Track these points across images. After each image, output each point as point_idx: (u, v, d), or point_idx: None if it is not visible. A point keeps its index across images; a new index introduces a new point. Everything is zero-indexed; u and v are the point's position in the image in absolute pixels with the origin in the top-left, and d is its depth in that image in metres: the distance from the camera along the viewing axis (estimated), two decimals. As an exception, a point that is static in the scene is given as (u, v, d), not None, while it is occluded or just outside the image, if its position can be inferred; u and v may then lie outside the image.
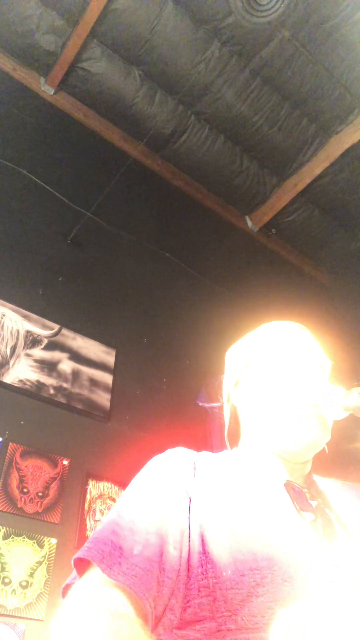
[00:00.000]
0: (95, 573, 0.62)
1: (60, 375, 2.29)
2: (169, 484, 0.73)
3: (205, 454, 0.83)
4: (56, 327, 2.40)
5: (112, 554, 0.62)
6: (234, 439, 0.95)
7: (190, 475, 0.75)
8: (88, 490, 2.07)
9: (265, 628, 0.59)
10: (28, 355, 2.24)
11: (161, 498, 0.71)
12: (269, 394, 0.86)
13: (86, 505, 2.04)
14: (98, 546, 0.64)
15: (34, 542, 1.83)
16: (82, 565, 0.65)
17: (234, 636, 0.60)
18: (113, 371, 2.48)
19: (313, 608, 0.61)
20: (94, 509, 2.05)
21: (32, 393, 2.16)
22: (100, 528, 0.68)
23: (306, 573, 0.64)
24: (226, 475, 0.78)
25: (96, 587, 0.61)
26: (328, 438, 0.82)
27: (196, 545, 0.66)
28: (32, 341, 2.29)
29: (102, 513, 2.06)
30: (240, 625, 0.60)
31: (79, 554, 0.64)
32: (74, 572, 0.66)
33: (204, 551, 0.65)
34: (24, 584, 1.74)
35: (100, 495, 2.10)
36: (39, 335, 2.32)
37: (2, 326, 2.23)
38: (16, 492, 1.89)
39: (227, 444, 0.98)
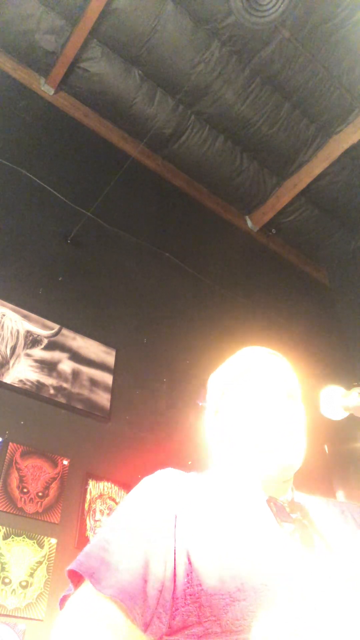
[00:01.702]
0: (87, 586, 0.69)
1: (60, 375, 2.29)
2: (156, 504, 0.79)
3: (192, 474, 0.89)
4: (56, 327, 2.40)
5: (100, 569, 0.68)
6: (217, 463, 1.01)
7: (176, 494, 0.81)
8: (88, 490, 2.07)
9: (248, 630, 0.65)
10: (28, 355, 2.24)
11: (147, 516, 0.77)
12: (243, 424, 0.93)
13: (86, 505, 2.04)
14: (88, 561, 0.70)
15: (34, 542, 1.83)
16: (75, 577, 0.71)
17: (220, 639, 0.65)
18: (113, 371, 2.48)
19: (292, 611, 0.67)
20: (94, 509, 2.05)
21: (32, 393, 2.16)
22: (92, 543, 0.75)
23: (285, 578, 0.70)
24: (211, 493, 0.84)
25: (89, 600, 0.68)
26: (301, 460, 0.89)
27: (182, 558, 0.72)
28: (32, 341, 2.29)
29: (102, 513, 2.06)
30: (225, 629, 0.65)
31: (71, 566, 0.71)
32: (70, 584, 0.72)
33: (190, 562, 0.71)
34: (24, 584, 1.74)
35: (100, 495, 2.10)
36: (39, 335, 2.32)
37: (2, 326, 2.23)
38: (16, 492, 1.89)
39: (211, 466, 1.03)
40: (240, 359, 1.04)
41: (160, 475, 0.86)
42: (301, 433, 0.90)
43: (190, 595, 0.68)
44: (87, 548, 0.74)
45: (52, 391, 2.21)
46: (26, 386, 2.15)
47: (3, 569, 1.73)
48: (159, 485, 0.83)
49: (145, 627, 0.66)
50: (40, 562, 1.81)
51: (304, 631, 0.65)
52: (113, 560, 0.70)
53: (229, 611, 0.66)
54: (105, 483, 2.13)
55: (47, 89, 3.22)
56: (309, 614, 0.67)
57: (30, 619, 1.70)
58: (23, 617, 1.69)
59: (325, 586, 0.72)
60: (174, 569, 0.71)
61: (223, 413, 0.99)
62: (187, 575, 0.70)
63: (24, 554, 1.79)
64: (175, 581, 0.70)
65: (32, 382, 2.17)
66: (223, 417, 0.98)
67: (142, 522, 0.76)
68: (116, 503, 2.11)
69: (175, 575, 0.70)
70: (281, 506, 0.83)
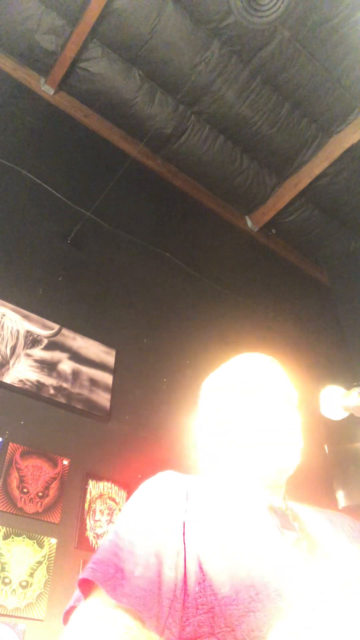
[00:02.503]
0: (101, 595, 0.65)
1: (60, 375, 2.29)
2: (163, 508, 0.77)
3: (193, 477, 0.88)
4: (56, 327, 2.40)
5: (115, 576, 0.65)
6: (210, 466, 1.00)
7: (183, 499, 0.79)
8: (88, 490, 2.07)
9: None
10: (28, 355, 2.24)
11: (157, 521, 0.74)
12: (241, 426, 0.94)
13: (86, 505, 2.04)
14: (102, 567, 0.67)
15: (34, 542, 1.83)
16: (86, 586, 0.67)
17: None
18: (113, 371, 2.48)
19: (304, 621, 0.65)
20: (94, 509, 2.05)
21: (32, 393, 2.16)
22: (102, 549, 0.71)
23: (297, 588, 0.68)
24: (216, 499, 0.83)
25: (104, 608, 0.64)
26: (297, 462, 0.90)
27: (192, 566, 0.69)
28: (32, 341, 2.29)
29: (102, 513, 2.06)
30: None
31: (84, 574, 0.67)
32: (77, 594, 0.68)
33: (201, 570, 0.68)
34: (24, 584, 1.74)
35: (100, 495, 2.10)
36: (39, 335, 2.32)
37: (2, 326, 2.23)
38: (16, 492, 1.89)
39: (203, 469, 1.03)
40: (236, 365, 1.05)
41: (162, 479, 0.84)
42: (298, 438, 0.91)
43: (203, 605, 0.66)
44: (98, 555, 0.70)
45: (52, 391, 2.21)
46: (26, 386, 2.15)
47: (3, 569, 1.73)
48: (163, 490, 0.81)
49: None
50: (40, 562, 1.81)
51: None
52: (128, 567, 0.67)
53: (244, 622, 0.63)
54: (105, 483, 2.13)
55: (47, 89, 3.22)
56: (321, 624, 0.65)
57: (30, 619, 1.70)
58: (23, 617, 1.69)
59: (333, 595, 0.70)
60: (184, 576, 0.68)
61: (222, 413, 0.99)
62: (199, 583, 0.67)
63: (24, 554, 1.79)
64: (185, 589, 0.68)
65: (32, 382, 2.17)
66: (222, 419, 0.99)
67: (152, 529, 0.73)
68: (116, 503, 2.11)
69: (185, 583, 0.68)
70: (283, 514, 0.83)
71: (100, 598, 0.65)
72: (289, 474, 0.91)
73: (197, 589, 0.67)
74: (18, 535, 1.82)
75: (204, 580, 0.67)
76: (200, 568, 0.68)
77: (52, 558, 1.84)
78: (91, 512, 2.03)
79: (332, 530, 0.87)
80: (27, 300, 2.38)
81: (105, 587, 0.63)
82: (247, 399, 0.96)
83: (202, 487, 0.85)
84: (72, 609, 0.67)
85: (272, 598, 0.65)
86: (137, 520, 0.75)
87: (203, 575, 0.68)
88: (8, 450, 1.96)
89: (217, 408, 1.01)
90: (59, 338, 2.38)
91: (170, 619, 0.65)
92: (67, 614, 0.67)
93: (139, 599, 0.63)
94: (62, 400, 2.23)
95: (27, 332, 2.29)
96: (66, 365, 2.33)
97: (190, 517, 0.76)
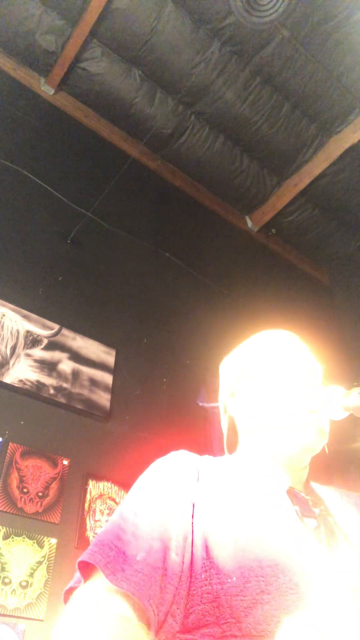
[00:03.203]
0: (99, 578, 0.62)
1: (60, 375, 2.29)
2: (172, 489, 0.73)
3: (207, 458, 0.83)
4: (56, 327, 2.40)
5: (116, 560, 0.62)
6: (233, 448, 0.96)
7: (193, 480, 0.75)
8: (88, 490, 2.07)
9: (270, 636, 0.59)
10: (28, 355, 2.24)
11: (164, 503, 0.71)
12: (264, 403, 0.88)
13: (86, 505, 2.04)
14: (102, 550, 0.64)
15: (34, 542, 1.83)
16: (86, 568, 0.65)
17: None
18: (113, 371, 2.48)
19: (319, 617, 0.61)
20: (94, 509, 2.05)
21: (32, 393, 2.16)
22: (104, 531, 0.68)
23: (311, 581, 0.64)
24: (229, 481, 0.79)
25: (100, 593, 0.61)
26: (325, 441, 0.84)
27: (199, 551, 0.66)
28: (32, 341, 2.29)
29: (102, 513, 2.06)
30: (245, 633, 0.59)
31: (84, 557, 0.65)
32: (77, 575, 0.66)
33: (208, 557, 0.65)
34: (24, 584, 1.74)
35: (100, 495, 2.10)
36: (39, 335, 2.32)
37: (2, 326, 2.23)
38: (16, 492, 1.89)
39: (227, 453, 0.98)
40: (260, 340, 0.99)
41: (174, 458, 0.80)
42: (325, 415, 0.83)
43: (208, 593, 0.63)
44: (100, 537, 0.67)
45: (52, 391, 2.21)
46: (26, 386, 2.15)
47: (3, 569, 1.73)
48: (174, 470, 0.77)
49: (159, 626, 0.61)
50: (40, 562, 1.81)
51: (332, 638, 0.59)
52: (129, 551, 0.63)
53: (251, 614, 0.60)
54: (105, 483, 2.13)
55: (47, 89, 3.22)
56: (336, 620, 0.61)
57: (30, 619, 1.70)
58: (23, 617, 1.69)
59: (355, 591, 0.66)
60: (191, 562, 0.65)
61: (241, 394, 0.94)
62: (206, 571, 0.64)
63: (24, 554, 1.79)
64: (191, 576, 0.64)
65: (32, 382, 2.17)
66: (241, 399, 0.93)
67: (158, 510, 0.70)
68: (116, 503, 2.11)
69: (192, 570, 0.65)
70: (303, 499, 0.77)
71: (99, 581, 0.62)
72: (314, 452, 0.84)
73: (202, 576, 0.64)
74: (18, 535, 1.82)
75: (210, 568, 0.64)
76: (208, 554, 0.66)
77: (52, 558, 1.84)
78: (91, 512, 2.03)
79: (357, 516, 0.82)
80: (27, 300, 2.38)
81: (104, 571, 0.61)
82: (266, 375, 0.91)
83: (216, 468, 0.80)
84: (71, 589, 0.65)
85: (282, 590, 0.62)
86: (143, 501, 0.72)
87: (210, 562, 0.65)
88: (8, 450, 1.96)
89: (233, 391, 0.96)
90: (59, 338, 2.38)
91: (174, 606, 0.62)
92: (67, 594, 0.65)
93: (138, 585, 0.60)
94: (62, 400, 2.23)
95: (27, 332, 2.29)
96: (66, 365, 2.33)
97: (200, 500, 0.72)
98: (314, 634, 0.59)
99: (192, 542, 0.67)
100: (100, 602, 0.60)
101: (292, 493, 0.78)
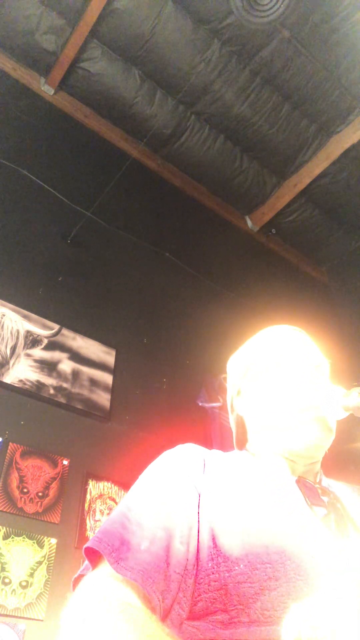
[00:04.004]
0: (104, 566, 0.63)
1: (60, 375, 2.29)
2: (178, 480, 0.74)
3: (215, 451, 0.84)
4: (56, 327, 2.40)
5: (121, 549, 0.63)
6: (242, 445, 0.96)
7: (199, 471, 0.76)
8: (88, 490, 2.07)
9: (278, 622, 0.59)
10: (28, 355, 2.24)
11: (170, 493, 0.72)
12: (270, 400, 0.88)
13: (86, 505, 2.04)
14: (108, 539, 0.65)
15: (34, 542, 1.83)
16: (93, 555, 0.66)
17: (247, 628, 0.60)
18: (113, 371, 2.48)
19: (326, 603, 0.61)
20: (94, 509, 2.05)
21: (32, 393, 2.16)
22: (110, 519, 0.69)
23: (320, 567, 0.65)
24: (236, 472, 0.79)
25: (105, 580, 0.62)
26: (332, 437, 0.84)
27: (206, 540, 0.67)
28: (32, 341, 2.29)
29: (102, 513, 2.06)
30: (253, 619, 0.60)
31: (90, 543, 0.65)
32: (86, 562, 0.67)
33: (215, 545, 0.66)
34: (24, 584, 1.74)
35: (100, 495, 2.10)
36: (39, 335, 2.32)
37: (2, 326, 2.23)
38: (16, 492, 1.89)
39: (236, 449, 0.98)
40: (265, 336, 0.99)
41: (182, 450, 0.81)
42: (332, 412, 0.82)
43: (215, 581, 0.63)
44: (105, 525, 0.68)
45: (52, 391, 2.21)
46: (26, 386, 2.15)
47: (3, 569, 1.73)
48: (181, 461, 0.78)
49: (166, 613, 0.61)
50: (40, 562, 1.81)
51: (342, 625, 0.60)
52: (134, 540, 0.64)
53: (259, 600, 0.61)
54: (105, 483, 2.13)
55: (47, 89, 3.22)
56: (345, 608, 0.62)
57: (30, 619, 1.70)
58: (23, 617, 1.69)
59: (358, 575, 0.66)
60: (197, 551, 0.66)
61: (247, 392, 0.93)
62: (212, 559, 0.65)
63: (24, 554, 1.79)
64: (197, 565, 0.65)
65: (32, 382, 2.17)
66: (248, 396, 0.93)
67: (164, 500, 0.70)
68: (116, 503, 2.11)
69: (198, 558, 0.65)
70: (312, 487, 0.77)
71: (105, 569, 0.63)
72: (323, 449, 0.84)
73: (209, 564, 0.65)
74: (18, 535, 1.82)
75: (217, 556, 0.65)
76: (214, 543, 0.66)
77: (52, 558, 1.84)
78: (91, 512, 2.03)
79: None
80: (27, 300, 2.38)
81: (108, 559, 0.62)
82: (271, 373, 0.90)
83: (223, 460, 0.81)
84: (80, 576, 0.66)
85: (289, 577, 0.62)
86: (149, 491, 0.73)
87: (217, 550, 0.65)
88: (8, 450, 1.96)
89: (239, 389, 0.96)
90: (59, 338, 2.38)
91: (180, 594, 0.62)
92: (76, 581, 0.66)
93: (142, 573, 0.60)
94: (62, 400, 2.23)
95: (27, 332, 2.29)
96: (66, 365, 2.33)
97: (207, 490, 0.72)
98: (322, 619, 0.60)
99: (199, 532, 0.68)
100: (104, 589, 0.61)
101: (301, 482, 0.78)
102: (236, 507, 0.71)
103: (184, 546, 0.65)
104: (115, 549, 0.63)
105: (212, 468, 0.77)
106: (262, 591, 0.61)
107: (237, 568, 0.63)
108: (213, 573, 0.64)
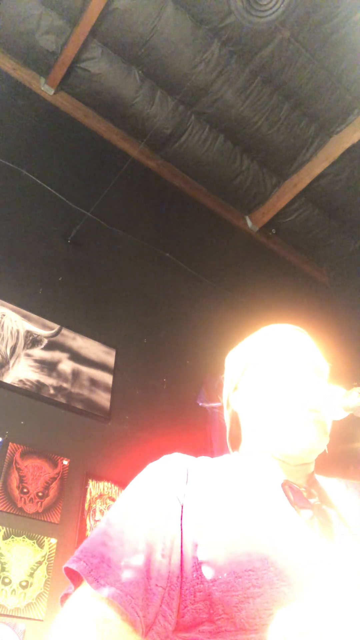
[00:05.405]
0: (85, 586, 0.64)
1: (60, 375, 2.29)
2: (160, 492, 0.74)
3: (202, 459, 0.83)
4: (56, 327, 2.40)
5: (100, 567, 0.63)
6: (236, 442, 0.96)
7: (182, 482, 0.75)
8: (88, 490, 2.07)
9: (264, 629, 0.59)
10: (28, 355, 2.24)
11: (151, 506, 0.71)
12: (266, 399, 0.87)
13: (86, 505, 2.04)
14: (86, 558, 0.65)
15: (34, 542, 1.83)
16: (74, 574, 0.66)
17: (234, 637, 0.60)
18: (113, 371, 2.48)
19: (312, 608, 0.61)
20: (94, 509, 2.05)
21: (32, 393, 2.16)
22: (90, 537, 0.69)
23: (303, 572, 0.64)
24: (222, 479, 0.79)
25: (85, 600, 0.62)
26: (326, 442, 0.83)
27: (189, 552, 0.67)
28: (32, 341, 2.29)
29: (102, 513, 2.06)
30: (238, 627, 0.60)
31: (69, 563, 0.66)
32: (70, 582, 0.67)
33: (197, 556, 0.66)
34: (24, 584, 1.74)
35: (100, 495, 2.10)
36: (39, 335, 2.32)
37: (2, 326, 2.23)
38: (16, 492, 1.89)
39: (229, 448, 0.98)
40: (265, 334, 0.97)
41: (165, 461, 0.80)
42: (327, 417, 0.81)
43: (200, 592, 0.63)
44: (85, 543, 0.68)
45: (52, 391, 2.21)
46: (26, 386, 2.15)
47: (3, 569, 1.73)
48: (163, 473, 0.77)
49: (148, 628, 0.61)
50: (40, 562, 1.81)
51: (328, 630, 0.59)
52: (114, 557, 0.64)
53: (243, 609, 0.60)
54: (105, 483, 2.13)
55: (47, 89, 3.22)
56: (331, 611, 0.61)
57: (30, 619, 1.70)
58: (23, 617, 1.69)
59: (350, 579, 0.65)
60: (181, 563, 0.66)
61: (244, 389, 0.92)
62: (196, 570, 0.64)
63: (24, 554, 1.79)
64: (182, 577, 0.65)
65: (32, 382, 2.17)
66: (244, 393, 0.92)
67: (144, 514, 0.70)
68: (116, 503, 2.11)
69: (182, 570, 0.65)
70: (297, 490, 0.77)
71: (85, 589, 0.63)
72: (316, 453, 0.83)
73: (194, 575, 0.64)
74: (18, 535, 1.82)
75: (200, 567, 0.65)
76: (197, 554, 0.66)
77: (52, 558, 1.84)
78: (91, 512, 2.03)
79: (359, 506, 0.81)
80: (27, 300, 2.38)
81: (87, 578, 0.62)
82: (268, 372, 0.89)
83: (209, 468, 0.80)
84: (66, 595, 0.67)
85: (273, 583, 0.62)
86: (130, 506, 0.73)
87: (200, 561, 0.65)
88: (8, 450, 1.96)
89: (236, 385, 0.95)
90: (59, 338, 2.38)
91: (164, 606, 0.63)
92: (62, 600, 0.67)
93: (121, 590, 0.60)
94: (62, 400, 2.23)
95: (27, 332, 2.29)
96: (66, 365, 2.33)
97: (190, 500, 0.72)
98: (308, 623, 0.59)
99: (182, 543, 0.68)
100: (83, 608, 0.62)
101: (287, 485, 0.78)
102: (219, 515, 0.71)
103: (166, 559, 0.65)
104: (94, 568, 0.63)
105: (195, 477, 0.77)
106: (246, 599, 0.61)
107: (220, 577, 0.63)
108: (198, 584, 0.64)
